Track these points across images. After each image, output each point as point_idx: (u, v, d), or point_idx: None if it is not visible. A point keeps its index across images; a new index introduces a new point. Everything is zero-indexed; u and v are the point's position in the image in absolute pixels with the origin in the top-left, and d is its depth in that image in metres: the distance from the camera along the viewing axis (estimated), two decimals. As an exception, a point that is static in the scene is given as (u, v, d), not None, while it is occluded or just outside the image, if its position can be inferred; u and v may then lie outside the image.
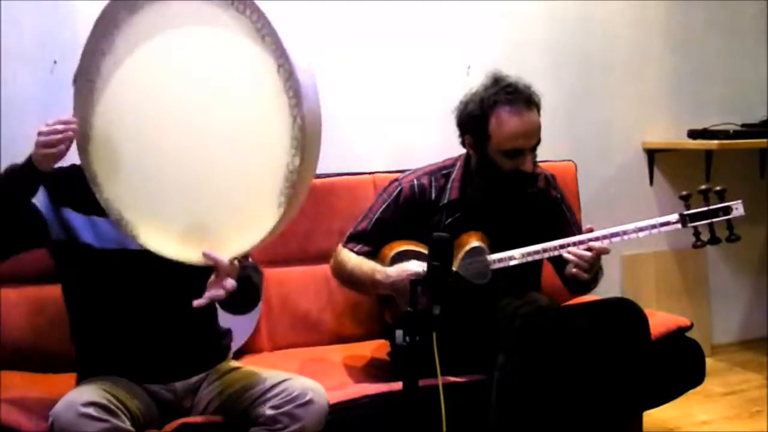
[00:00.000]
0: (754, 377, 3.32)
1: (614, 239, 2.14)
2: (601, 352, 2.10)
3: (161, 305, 1.87)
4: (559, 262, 2.24)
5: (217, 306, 1.94)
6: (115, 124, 1.65)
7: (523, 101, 2.19)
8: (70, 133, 1.65)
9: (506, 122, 2.18)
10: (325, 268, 2.46)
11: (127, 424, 1.70)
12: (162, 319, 1.88)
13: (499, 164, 2.22)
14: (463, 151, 2.36)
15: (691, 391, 2.45)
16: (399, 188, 2.34)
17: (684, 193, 2.14)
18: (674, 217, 2.15)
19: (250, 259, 1.92)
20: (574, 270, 2.12)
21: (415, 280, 1.61)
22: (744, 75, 3.65)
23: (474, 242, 2.24)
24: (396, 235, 2.30)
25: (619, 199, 3.38)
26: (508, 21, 3.18)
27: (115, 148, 1.66)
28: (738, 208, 2.12)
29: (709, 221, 2.13)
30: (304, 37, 2.85)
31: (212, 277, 1.69)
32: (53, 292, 2.03)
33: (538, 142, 2.23)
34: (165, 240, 1.66)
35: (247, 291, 1.84)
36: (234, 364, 2.05)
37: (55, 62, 2.53)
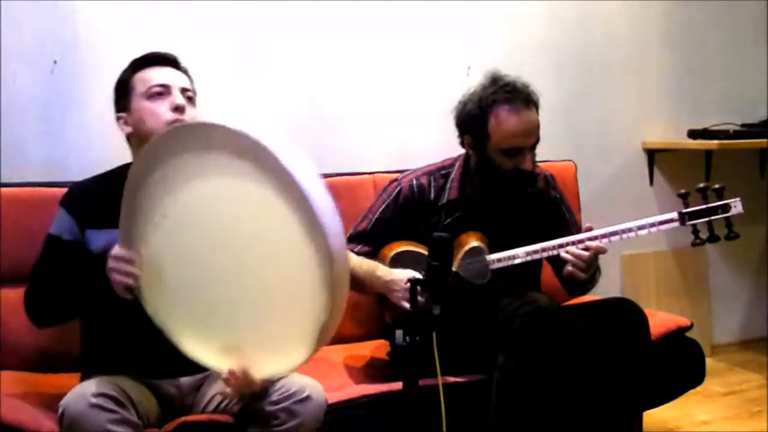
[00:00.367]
0: (754, 377, 3.32)
1: (613, 238, 2.14)
2: (601, 352, 2.10)
3: None
4: (557, 263, 2.24)
5: None
6: (159, 250, 1.75)
7: (521, 100, 2.20)
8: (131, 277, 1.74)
9: (505, 121, 2.18)
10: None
11: (135, 417, 1.72)
12: None
13: (498, 163, 2.22)
14: (463, 151, 2.36)
15: (691, 391, 2.46)
16: (398, 188, 2.34)
17: (683, 191, 2.14)
18: (673, 215, 2.15)
19: None
20: (570, 268, 2.12)
21: (415, 280, 1.61)
22: (744, 75, 3.65)
23: (473, 242, 2.24)
24: (396, 236, 2.30)
25: (619, 199, 3.38)
26: (508, 21, 3.18)
27: (159, 271, 1.76)
28: (737, 206, 2.12)
29: (708, 219, 2.13)
30: (305, 38, 2.87)
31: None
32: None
33: (537, 140, 2.23)
34: (204, 353, 1.78)
35: None
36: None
37: (55, 62, 2.53)
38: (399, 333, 1.56)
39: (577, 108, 3.33)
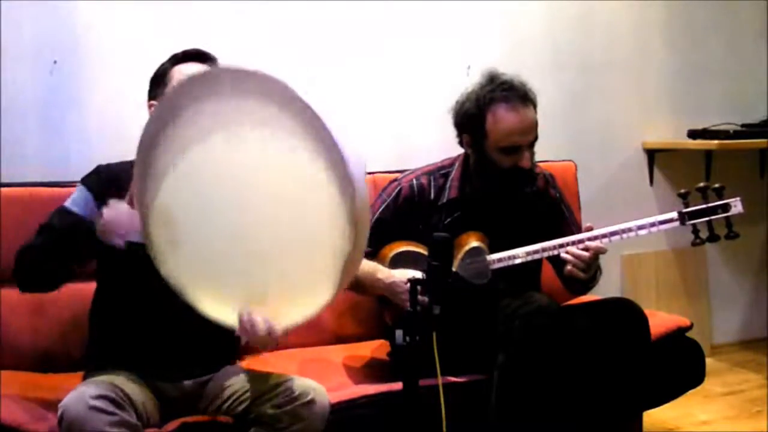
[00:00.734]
0: (754, 377, 3.32)
1: (614, 238, 2.14)
2: (601, 352, 2.10)
3: (178, 305, 1.87)
4: (558, 262, 2.24)
5: None
6: (173, 207, 1.71)
7: (518, 98, 2.20)
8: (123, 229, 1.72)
9: (503, 119, 2.18)
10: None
11: (134, 419, 1.72)
12: (179, 317, 1.88)
13: (497, 162, 2.22)
14: (462, 150, 2.36)
15: (691, 391, 2.45)
16: (398, 188, 2.34)
17: (682, 190, 2.14)
18: (673, 214, 2.15)
19: None
20: (569, 268, 2.12)
21: (415, 280, 1.61)
22: (744, 75, 3.65)
23: (473, 242, 2.24)
24: (396, 236, 2.30)
25: (619, 199, 3.38)
26: (508, 21, 3.18)
27: (174, 228, 1.72)
28: (737, 206, 2.12)
29: (708, 219, 2.13)
30: (304, 38, 2.87)
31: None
32: (53, 292, 2.03)
33: (536, 138, 2.23)
34: (224, 310, 1.73)
35: None
36: (236, 364, 2.06)
37: (55, 62, 2.53)
38: (399, 333, 1.56)
39: (577, 108, 3.33)
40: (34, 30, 2.51)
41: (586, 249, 2.12)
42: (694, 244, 2.18)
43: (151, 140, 1.68)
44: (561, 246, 2.16)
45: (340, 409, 1.98)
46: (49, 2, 2.51)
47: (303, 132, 1.54)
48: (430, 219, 2.31)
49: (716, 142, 3.29)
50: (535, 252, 2.21)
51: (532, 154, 2.23)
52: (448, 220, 2.30)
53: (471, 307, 2.19)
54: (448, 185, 2.33)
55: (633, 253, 3.46)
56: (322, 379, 1.91)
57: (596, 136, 3.38)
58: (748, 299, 3.78)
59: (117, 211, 1.73)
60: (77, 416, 1.63)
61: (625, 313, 2.16)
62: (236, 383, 1.92)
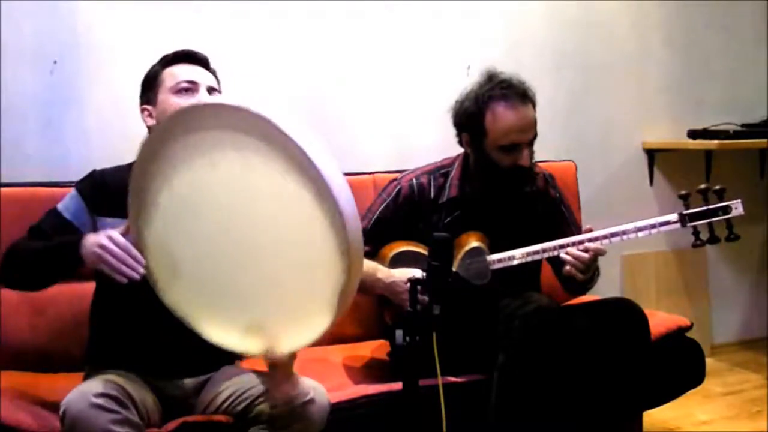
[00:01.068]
0: (754, 377, 3.32)
1: (614, 239, 2.14)
2: (601, 352, 2.10)
3: None
4: (556, 262, 2.24)
5: None
6: (170, 236, 1.72)
7: (517, 96, 2.20)
8: (136, 274, 1.69)
9: (502, 117, 2.19)
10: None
11: (136, 418, 1.72)
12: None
13: (496, 160, 2.22)
14: (462, 150, 2.36)
15: (691, 391, 2.45)
16: (398, 187, 2.34)
17: (683, 192, 2.14)
18: (673, 216, 2.15)
19: None
20: (568, 269, 2.12)
21: (415, 280, 1.61)
22: (744, 75, 3.65)
23: (474, 242, 2.24)
24: (395, 235, 2.30)
25: (619, 199, 3.38)
26: (508, 21, 3.18)
27: (172, 258, 1.73)
28: (737, 208, 2.12)
29: (708, 221, 2.13)
30: (304, 38, 2.87)
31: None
32: (53, 292, 2.02)
33: (535, 136, 2.23)
34: (227, 335, 1.75)
35: None
36: (236, 363, 2.05)
37: (55, 62, 2.53)
38: (399, 333, 1.55)
39: (577, 108, 3.33)
40: (34, 29, 2.51)
41: (585, 250, 2.12)
42: (694, 245, 2.18)
43: (143, 172, 1.68)
44: (561, 247, 2.16)
45: (340, 409, 1.98)
46: (49, 2, 2.51)
47: (292, 166, 1.54)
48: (430, 218, 2.31)
49: (716, 142, 3.29)
50: (536, 253, 2.21)
51: (532, 152, 2.23)
52: (448, 219, 2.30)
53: (471, 307, 2.19)
54: (448, 184, 2.33)
55: (633, 253, 3.46)
56: (322, 379, 1.91)
57: (596, 136, 3.38)
58: (748, 299, 3.78)
59: (114, 245, 1.69)
60: (79, 414, 1.63)
61: (625, 313, 2.16)
62: (236, 382, 1.92)
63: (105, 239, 1.67)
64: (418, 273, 2.11)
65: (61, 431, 1.68)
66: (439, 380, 1.62)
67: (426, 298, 1.60)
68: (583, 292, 2.35)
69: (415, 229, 2.29)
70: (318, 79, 2.88)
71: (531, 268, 2.33)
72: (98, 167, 2.04)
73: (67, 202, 1.95)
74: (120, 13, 2.59)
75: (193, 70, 1.96)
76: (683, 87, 3.55)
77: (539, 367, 2.03)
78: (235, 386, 1.91)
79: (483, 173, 2.28)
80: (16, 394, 1.96)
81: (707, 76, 3.59)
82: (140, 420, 1.73)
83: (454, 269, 2.16)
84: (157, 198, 1.69)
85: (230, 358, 2.04)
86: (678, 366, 2.43)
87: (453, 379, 2.13)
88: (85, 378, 1.90)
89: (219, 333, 1.76)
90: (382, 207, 2.34)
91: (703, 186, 2.14)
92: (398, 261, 2.24)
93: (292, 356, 1.75)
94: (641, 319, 2.16)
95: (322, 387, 1.85)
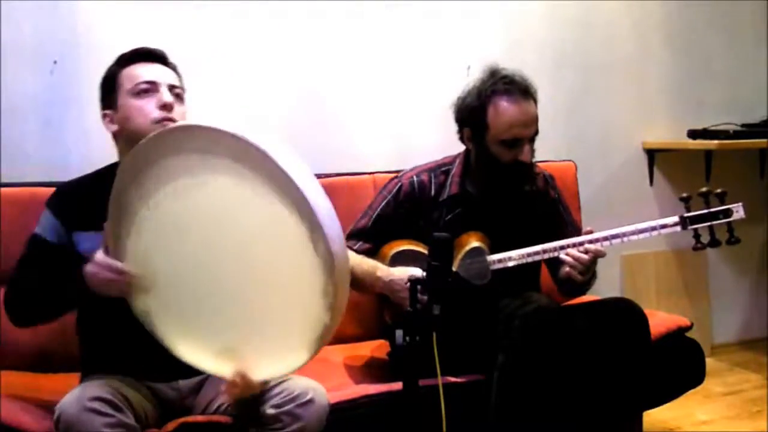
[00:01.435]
0: (754, 377, 3.32)
1: (614, 241, 2.15)
2: (601, 352, 2.10)
3: None
4: (553, 264, 2.24)
5: None
6: (150, 247, 1.71)
7: (520, 91, 2.21)
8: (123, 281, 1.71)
9: (504, 111, 2.19)
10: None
11: (132, 421, 1.70)
12: None
13: (497, 155, 2.22)
14: (463, 148, 2.37)
15: (691, 391, 2.45)
16: (399, 185, 2.35)
17: (684, 195, 2.14)
18: (674, 219, 2.15)
19: None
20: (567, 269, 2.13)
21: (415, 279, 1.61)
22: (744, 75, 3.65)
23: (474, 242, 2.24)
24: (396, 233, 2.30)
25: (619, 199, 3.38)
26: (507, 20, 3.18)
27: (149, 269, 1.72)
28: (738, 211, 2.12)
29: (709, 224, 2.13)
30: (304, 38, 2.87)
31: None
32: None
33: (536, 132, 2.24)
34: (201, 357, 1.75)
35: None
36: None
37: (55, 62, 2.53)
38: (399, 333, 1.55)
39: (577, 108, 3.33)
40: (34, 29, 2.51)
41: (585, 252, 2.12)
42: (695, 248, 2.18)
43: (124, 185, 1.67)
44: (561, 248, 2.16)
45: (340, 409, 1.98)
46: (49, 2, 2.51)
47: (275, 191, 1.53)
48: (431, 215, 2.31)
49: (716, 142, 3.29)
50: (536, 253, 2.21)
51: (533, 150, 2.24)
52: (449, 216, 2.30)
53: (471, 307, 2.19)
54: (449, 182, 2.34)
55: (633, 253, 3.46)
56: (322, 379, 1.90)
57: (596, 136, 3.38)
58: (748, 299, 3.78)
59: (100, 267, 1.71)
60: (73, 418, 1.62)
61: (625, 313, 2.16)
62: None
63: (93, 266, 1.71)
64: (417, 272, 2.11)
65: (55, 436, 1.67)
66: (439, 380, 1.62)
67: (426, 297, 1.60)
68: (580, 295, 2.35)
69: (415, 226, 2.30)
70: (318, 79, 2.88)
71: (531, 269, 2.33)
72: (98, 167, 2.04)
73: (44, 225, 1.90)
74: (120, 13, 2.59)
75: (151, 69, 1.89)
76: (683, 87, 3.55)
77: (539, 367, 2.03)
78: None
79: (484, 169, 2.28)
80: (16, 394, 1.95)
81: (707, 76, 3.59)
82: (137, 422, 1.72)
83: (454, 269, 2.16)
84: (140, 209, 1.68)
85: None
86: (678, 366, 2.43)
87: (453, 379, 2.13)
88: (82, 379, 1.90)
89: (191, 352, 1.76)
90: (383, 204, 2.34)
91: (704, 189, 2.14)
92: (398, 260, 2.24)
93: (262, 384, 1.75)
94: (641, 319, 2.16)
95: (322, 387, 1.84)
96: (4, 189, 2.31)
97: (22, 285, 1.86)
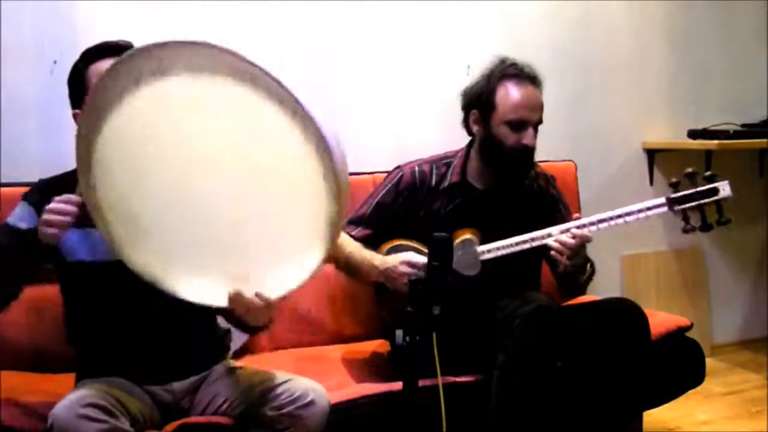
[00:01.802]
0: (754, 377, 3.32)
1: (601, 225, 2.15)
2: (601, 352, 2.10)
3: (158, 307, 1.85)
4: (554, 263, 2.24)
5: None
6: (130, 198, 1.59)
7: (528, 78, 2.28)
8: (68, 216, 1.65)
9: (512, 92, 2.25)
10: (325, 268, 2.45)
11: (126, 425, 1.69)
12: (159, 320, 1.88)
13: (502, 137, 2.24)
14: (463, 146, 2.37)
15: (691, 391, 2.45)
16: (400, 174, 2.37)
17: (674, 179, 2.14)
18: (661, 200, 2.15)
19: None
20: (552, 253, 2.13)
21: (415, 279, 1.61)
22: (744, 75, 3.65)
23: (465, 235, 2.25)
24: (396, 223, 2.31)
25: (619, 199, 3.33)
26: (508, 21, 3.18)
27: (132, 215, 1.60)
28: (725, 189, 2.09)
29: (696, 203, 2.11)
30: (304, 37, 2.86)
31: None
32: (52, 292, 2.03)
33: (540, 120, 2.26)
34: (212, 294, 1.66)
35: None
36: (234, 364, 2.04)
37: (55, 62, 2.52)
38: (399, 333, 1.55)
39: (577, 108, 3.33)
40: (34, 30, 2.51)
41: (573, 237, 2.13)
42: (684, 230, 2.15)
43: (81, 137, 1.57)
44: (549, 235, 2.16)
45: (340, 409, 1.98)
46: (49, 2, 2.51)
47: (271, 99, 1.48)
48: (432, 205, 2.32)
49: (716, 142, 3.29)
50: (524, 242, 2.21)
51: (535, 137, 2.26)
52: (450, 206, 2.31)
53: (471, 307, 2.19)
54: (450, 172, 2.36)
55: (633, 253, 3.46)
56: (322, 379, 1.91)
57: (596, 136, 3.38)
58: (748, 299, 3.78)
59: (63, 200, 1.65)
60: (66, 424, 1.61)
61: (625, 313, 2.16)
62: (234, 384, 1.91)
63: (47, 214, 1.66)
64: (412, 256, 2.14)
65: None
66: (439, 380, 1.62)
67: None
68: (581, 292, 2.35)
69: (415, 217, 2.30)
70: (317, 78, 2.88)
71: (530, 267, 2.33)
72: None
73: (19, 213, 1.87)
74: (120, 13, 2.58)
75: None
76: (683, 87, 3.55)
77: (539, 367, 2.03)
78: (234, 387, 1.90)
79: (486, 154, 2.30)
80: (16, 394, 1.95)
81: (707, 76, 3.59)
82: (132, 427, 1.70)
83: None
84: (98, 153, 1.57)
85: (218, 357, 2.03)
86: (678, 366, 2.43)
87: (453, 379, 2.13)
88: (76, 385, 1.88)
89: (196, 290, 1.67)
90: (383, 192, 2.36)
91: (690, 170, 2.13)
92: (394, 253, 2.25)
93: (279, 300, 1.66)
94: (641, 319, 2.16)
95: (322, 388, 1.84)
96: (4, 189, 2.31)
97: None
